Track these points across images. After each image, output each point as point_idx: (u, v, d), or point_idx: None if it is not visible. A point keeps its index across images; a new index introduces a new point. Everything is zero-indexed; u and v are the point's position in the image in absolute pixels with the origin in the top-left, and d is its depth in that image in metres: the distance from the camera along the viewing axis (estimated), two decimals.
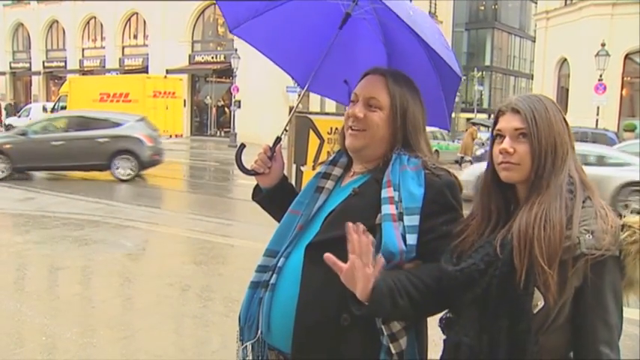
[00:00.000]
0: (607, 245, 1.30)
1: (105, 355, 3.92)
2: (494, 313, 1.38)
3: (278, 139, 1.92)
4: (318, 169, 1.81)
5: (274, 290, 1.62)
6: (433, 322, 1.60)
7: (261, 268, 1.68)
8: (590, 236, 1.31)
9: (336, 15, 2.01)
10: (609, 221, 1.34)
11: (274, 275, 1.63)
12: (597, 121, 20.25)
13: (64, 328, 4.34)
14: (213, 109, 33.02)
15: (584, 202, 1.39)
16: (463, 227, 1.51)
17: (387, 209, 1.51)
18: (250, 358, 1.69)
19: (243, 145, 2.05)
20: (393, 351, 1.50)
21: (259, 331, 1.66)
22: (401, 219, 1.51)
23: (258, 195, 1.94)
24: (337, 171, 1.73)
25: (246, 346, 1.69)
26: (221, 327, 4.49)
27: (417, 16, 1.78)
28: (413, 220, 1.51)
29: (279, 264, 1.64)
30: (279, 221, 1.80)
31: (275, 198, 1.90)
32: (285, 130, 2.13)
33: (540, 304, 1.33)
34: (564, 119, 1.47)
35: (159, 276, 5.84)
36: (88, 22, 37.40)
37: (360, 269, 1.36)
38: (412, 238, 1.50)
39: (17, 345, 4.05)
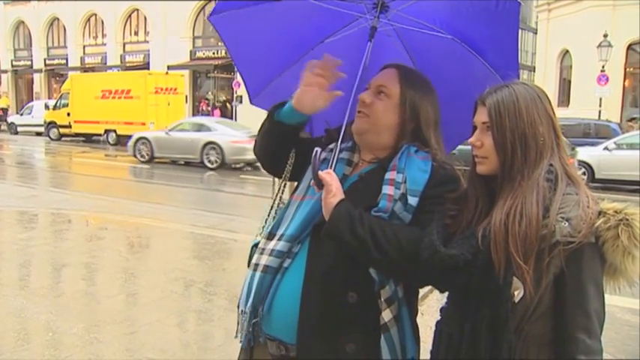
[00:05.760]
0: (583, 233, 1.30)
1: (111, 351, 3.94)
2: (475, 303, 1.40)
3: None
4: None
5: (284, 274, 1.64)
6: (436, 313, 1.61)
7: (280, 254, 1.67)
8: (566, 224, 1.31)
9: (324, 28, 1.99)
10: (588, 210, 1.33)
11: (288, 260, 1.66)
12: (600, 112, 20.17)
13: (69, 324, 4.36)
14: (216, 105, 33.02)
15: (565, 191, 1.37)
16: (457, 213, 1.51)
17: (386, 189, 1.58)
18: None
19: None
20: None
21: (261, 311, 1.66)
22: (405, 200, 1.55)
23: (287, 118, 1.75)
24: (356, 158, 1.76)
25: (255, 322, 1.66)
26: (225, 321, 4.51)
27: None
28: (413, 202, 1.56)
29: (294, 249, 1.66)
30: (274, 155, 1.84)
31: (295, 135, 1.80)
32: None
33: (520, 292, 1.35)
34: (546, 110, 1.44)
35: (163, 271, 5.86)
36: (89, 20, 37.35)
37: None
38: (407, 217, 1.56)
39: (24, 341, 4.07)
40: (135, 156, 16.95)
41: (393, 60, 1.95)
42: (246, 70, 2.16)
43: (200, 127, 16.67)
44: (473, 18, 1.82)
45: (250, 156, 14.99)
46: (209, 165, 15.64)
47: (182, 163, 16.54)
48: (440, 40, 1.87)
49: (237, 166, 15.92)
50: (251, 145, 12.56)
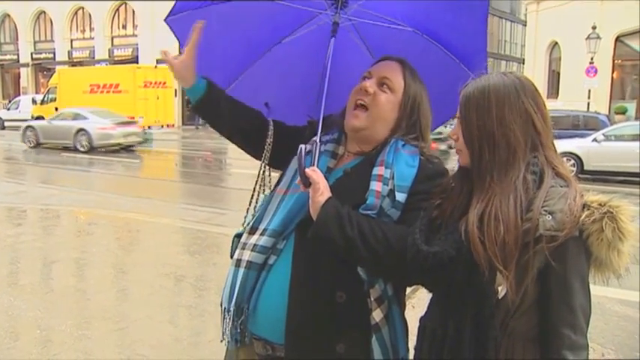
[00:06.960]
0: (567, 231, 1.27)
1: (100, 347, 3.91)
2: (459, 299, 1.38)
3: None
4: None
5: (269, 271, 1.61)
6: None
7: (264, 249, 1.62)
8: (550, 217, 1.28)
9: (282, 27, 1.95)
10: (574, 205, 1.29)
11: (273, 256, 1.62)
12: (589, 104, 20.28)
13: (58, 320, 4.32)
14: None
15: (550, 184, 1.33)
16: (442, 201, 1.49)
17: (374, 185, 1.54)
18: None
19: None
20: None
21: (246, 310, 1.63)
22: (393, 196, 1.52)
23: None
24: (341, 150, 1.72)
25: (241, 321, 1.64)
26: (216, 316, 4.43)
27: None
28: (401, 198, 1.54)
29: (279, 246, 1.62)
30: (236, 134, 1.83)
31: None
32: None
33: (504, 288, 1.33)
34: (524, 106, 1.36)
35: (153, 266, 5.82)
36: (76, 13, 36.98)
37: None
38: (395, 213, 1.53)
39: (12, 339, 4.03)
40: (24, 142, 19.26)
41: (353, 55, 1.95)
42: (205, 74, 2.12)
43: (76, 116, 18.67)
44: (437, 7, 1.79)
45: (114, 140, 17.58)
46: (81, 149, 17.79)
47: (72, 148, 18.07)
48: (400, 33, 1.84)
49: (111, 149, 17.82)
50: (115, 132, 15.43)
